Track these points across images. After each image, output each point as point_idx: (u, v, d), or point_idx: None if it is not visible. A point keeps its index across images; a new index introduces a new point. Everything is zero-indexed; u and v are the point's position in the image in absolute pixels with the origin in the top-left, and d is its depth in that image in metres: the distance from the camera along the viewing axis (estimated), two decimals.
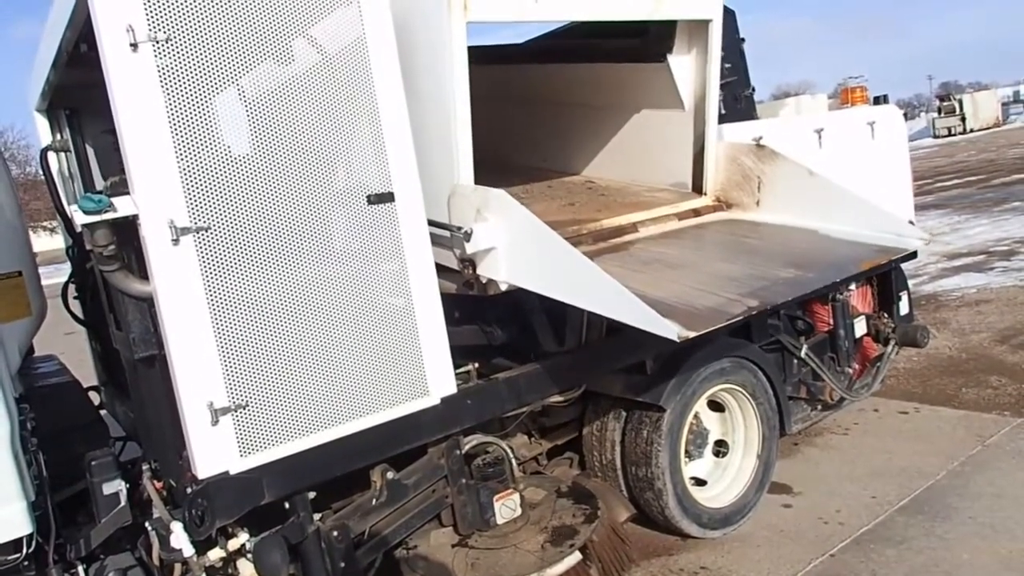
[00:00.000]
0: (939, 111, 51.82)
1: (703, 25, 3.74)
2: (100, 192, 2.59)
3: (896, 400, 5.73)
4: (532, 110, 4.85)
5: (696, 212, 3.96)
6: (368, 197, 2.85)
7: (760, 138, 4.13)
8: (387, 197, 2.88)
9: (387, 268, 2.89)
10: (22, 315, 3.00)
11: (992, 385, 5.76)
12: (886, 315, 5.26)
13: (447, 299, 3.08)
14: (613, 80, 4.33)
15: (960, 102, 49.91)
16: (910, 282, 10.07)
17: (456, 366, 3.14)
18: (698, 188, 4.09)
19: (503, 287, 3.11)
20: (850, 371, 4.90)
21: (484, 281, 3.13)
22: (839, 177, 4.02)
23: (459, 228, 3.05)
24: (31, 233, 4.14)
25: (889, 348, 5.13)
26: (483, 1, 2.96)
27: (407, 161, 2.94)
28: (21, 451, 2.49)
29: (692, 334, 2.55)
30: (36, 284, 3.23)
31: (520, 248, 2.98)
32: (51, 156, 4.29)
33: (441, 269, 3.14)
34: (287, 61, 2.83)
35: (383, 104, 2.89)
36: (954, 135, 47.50)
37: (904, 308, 5.45)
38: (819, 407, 4.90)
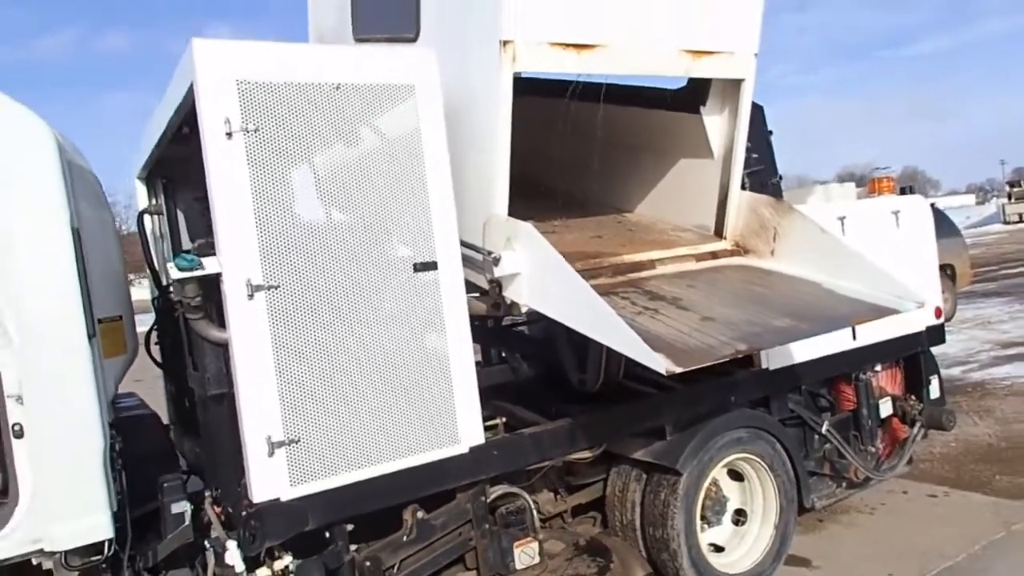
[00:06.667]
0: (1009, 196, 50.73)
1: (736, 84, 4.08)
2: (190, 252, 3.08)
3: (927, 484, 5.77)
4: (576, 142, 5.16)
5: (714, 255, 4.22)
6: (415, 265, 3.27)
7: None
8: (431, 266, 3.30)
9: (428, 327, 3.29)
10: (119, 353, 3.50)
11: None
12: (913, 397, 5.38)
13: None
14: (651, 125, 4.67)
15: None
16: (960, 368, 10.04)
17: (485, 419, 3.49)
18: (719, 232, 4.36)
19: (524, 309, 3.45)
20: (874, 450, 5.03)
21: (508, 302, 3.47)
22: None
23: (490, 253, 3.43)
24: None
25: (915, 430, 5.24)
26: (530, 55, 3.36)
27: (450, 234, 3.37)
28: (110, 468, 2.93)
29: (679, 369, 2.82)
30: (132, 327, 3.75)
31: (540, 276, 3.33)
32: (146, 218, 4.88)
33: (471, 288, 3.50)
34: (353, 145, 3.32)
35: (432, 184, 3.34)
36: None
37: (935, 391, 5.55)
38: (844, 485, 5.02)
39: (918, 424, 5.24)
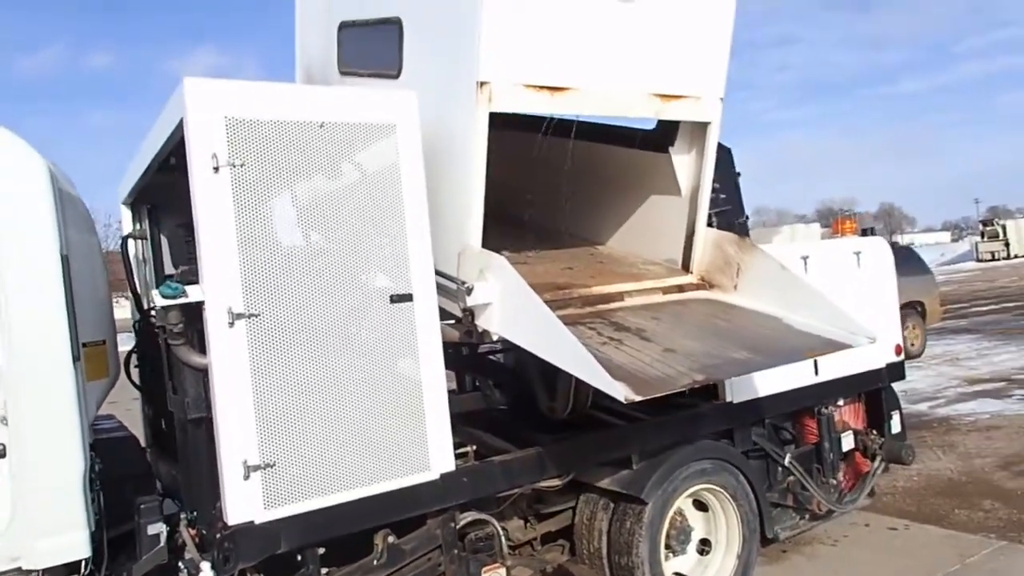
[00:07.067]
0: (982, 235, 51.98)
1: (703, 126, 4.29)
2: (174, 280, 3.19)
3: (889, 516, 5.93)
4: (553, 176, 5.29)
5: (680, 288, 4.38)
6: (391, 296, 3.40)
7: None
8: (407, 298, 3.44)
9: (402, 357, 3.41)
10: (102, 376, 3.59)
11: (984, 508, 5.94)
12: (875, 432, 5.55)
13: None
14: (623, 162, 4.87)
15: (1004, 227, 50.07)
16: (927, 404, 10.27)
17: (457, 446, 3.60)
18: (686, 266, 4.53)
19: (495, 337, 3.58)
20: (835, 483, 5.19)
21: (481, 330, 3.61)
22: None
23: (463, 283, 3.57)
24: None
25: (875, 463, 5.41)
26: (506, 96, 3.53)
27: (426, 267, 3.51)
28: (89, 488, 3.01)
29: (638, 398, 2.95)
30: (114, 351, 3.85)
31: (510, 306, 3.47)
32: (130, 243, 4.98)
33: (446, 316, 3.63)
34: (335, 180, 3.47)
35: (409, 218, 3.48)
36: (998, 260, 47.37)
37: (896, 426, 5.73)
38: (807, 516, 5.17)
39: (878, 458, 5.42)
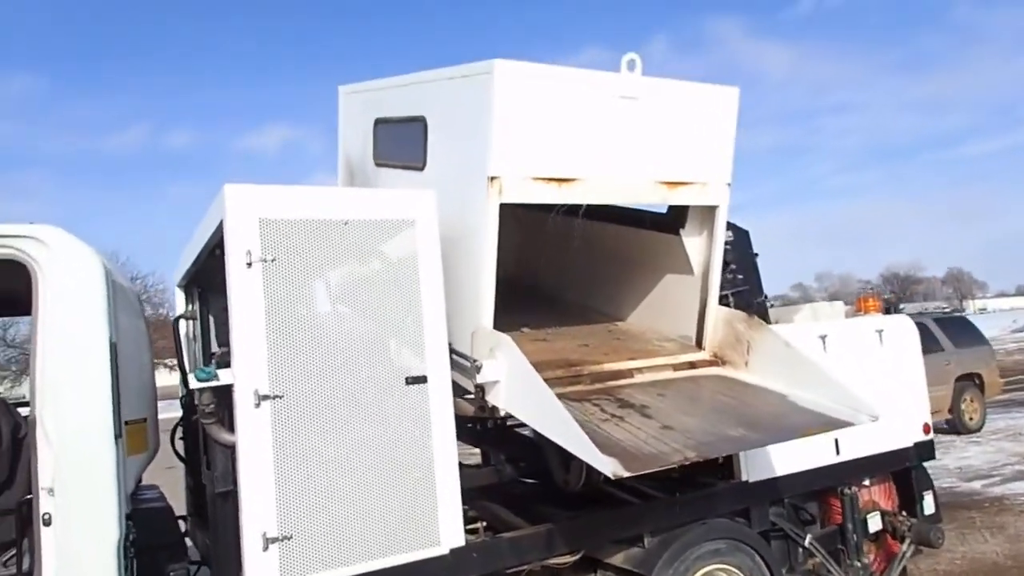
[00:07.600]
0: None
1: (711, 210, 4.51)
2: (210, 363, 3.51)
3: None
4: (576, 254, 5.60)
5: (692, 364, 4.51)
6: (406, 379, 3.65)
7: None
8: (421, 379, 3.68)
9: (416, 437, 3.63)
10: (141, 451, 3.92)
11: None
12: (904, 513, 5.47)
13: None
14: (639, 242, 5.11)
15: None
16: (981, 482, 9.90)
17: (468, 521, 3.77)
18: (699, 343, 4.67)
19: (502, 412, 3.77)
20: (859, 565, 5.11)
21: (491, 406, 3.80)
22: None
23: (475, 360, 3.79)
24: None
25: (904, 546, 5.32)
26: (515, 188, 3.80)
27: (440, 350, 3.75)
28: (123, 556, 3.29)
29: (626, 474, 3.06)
30: (155, 426, 4.19)
31: (514, 382, 3.67)
32: (181, 323, 5.40)
33: (463, 391, 3.85)
34: (357, 273, 3.77)
35: (425, 306, 3.75)
36: None
37: (929, 507, 5.64)
38: None
39: (907, 540, 5.33)
